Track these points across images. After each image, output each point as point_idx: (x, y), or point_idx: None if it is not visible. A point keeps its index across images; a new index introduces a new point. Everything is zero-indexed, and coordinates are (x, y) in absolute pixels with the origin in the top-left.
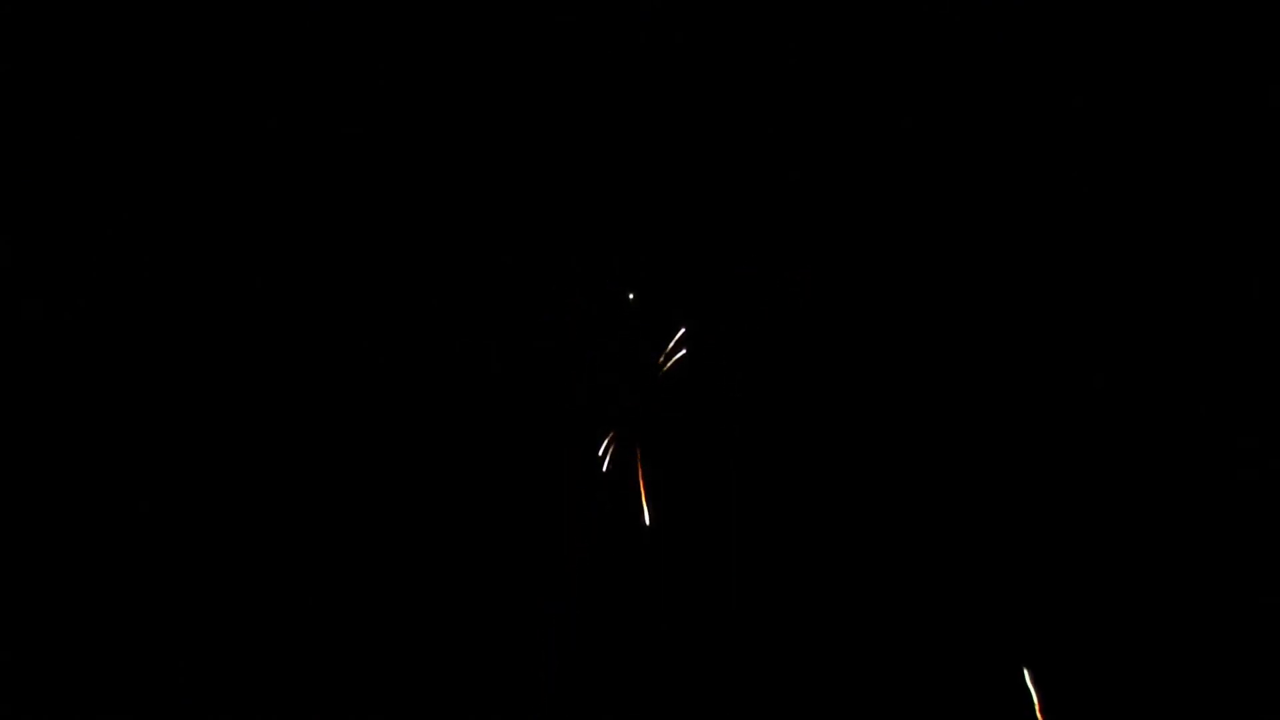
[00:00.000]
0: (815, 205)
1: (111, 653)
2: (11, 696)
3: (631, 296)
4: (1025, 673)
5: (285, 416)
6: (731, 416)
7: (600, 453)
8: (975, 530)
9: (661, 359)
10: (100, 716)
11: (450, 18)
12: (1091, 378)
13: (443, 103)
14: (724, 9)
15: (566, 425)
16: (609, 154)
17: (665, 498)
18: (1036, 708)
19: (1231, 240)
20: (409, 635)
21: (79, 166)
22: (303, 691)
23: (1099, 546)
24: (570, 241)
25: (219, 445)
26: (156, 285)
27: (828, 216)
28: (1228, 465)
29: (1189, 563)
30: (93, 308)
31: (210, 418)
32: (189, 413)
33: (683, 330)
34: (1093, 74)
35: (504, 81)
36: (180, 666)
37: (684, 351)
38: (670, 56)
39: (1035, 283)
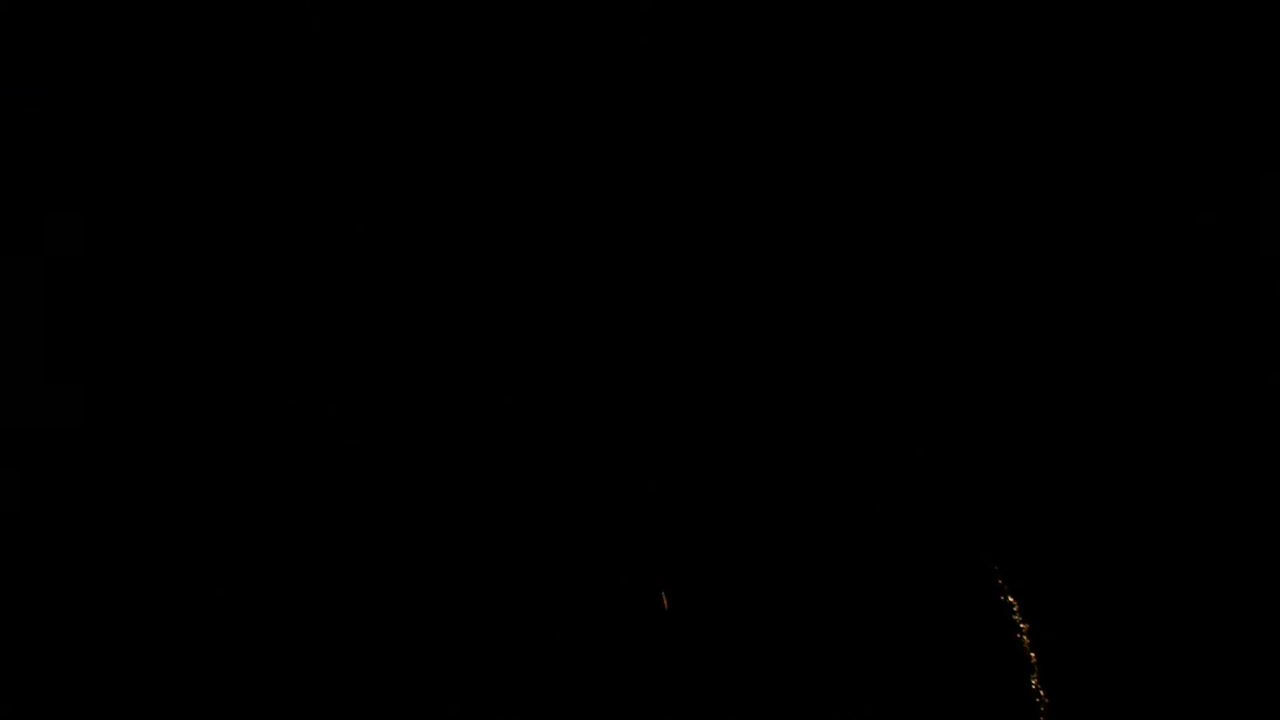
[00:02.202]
0: (814, 206)
1: (113, 653)
2: (11, 697)
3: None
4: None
5: (284, 418)
6: (731, 417)
7: (605, 458)
8: (975, 532)
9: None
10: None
11: (450, 18)
12: (1088, 377)
13: (442, 104)
14: (723, 10)
15: (569, 427)
16: (609, 155)
17: (666, 497)
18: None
19: (1230, 241)
20: (411, 637)
21: (77, 166)
22: (306, 692)
23: (1096, 545)
24: (570, 243)
25: (222, 449)
26: (159, 289)
27: (826, 218)
28: (1225, 466)
29: (1188, 562)
30: (93, 307)
31: (212, 421)
32: (193, 416)
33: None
34: (1092, 75)
35: (504, 82)
36: (185, 667)
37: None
38: (670, 57)
39: (1034, 284)
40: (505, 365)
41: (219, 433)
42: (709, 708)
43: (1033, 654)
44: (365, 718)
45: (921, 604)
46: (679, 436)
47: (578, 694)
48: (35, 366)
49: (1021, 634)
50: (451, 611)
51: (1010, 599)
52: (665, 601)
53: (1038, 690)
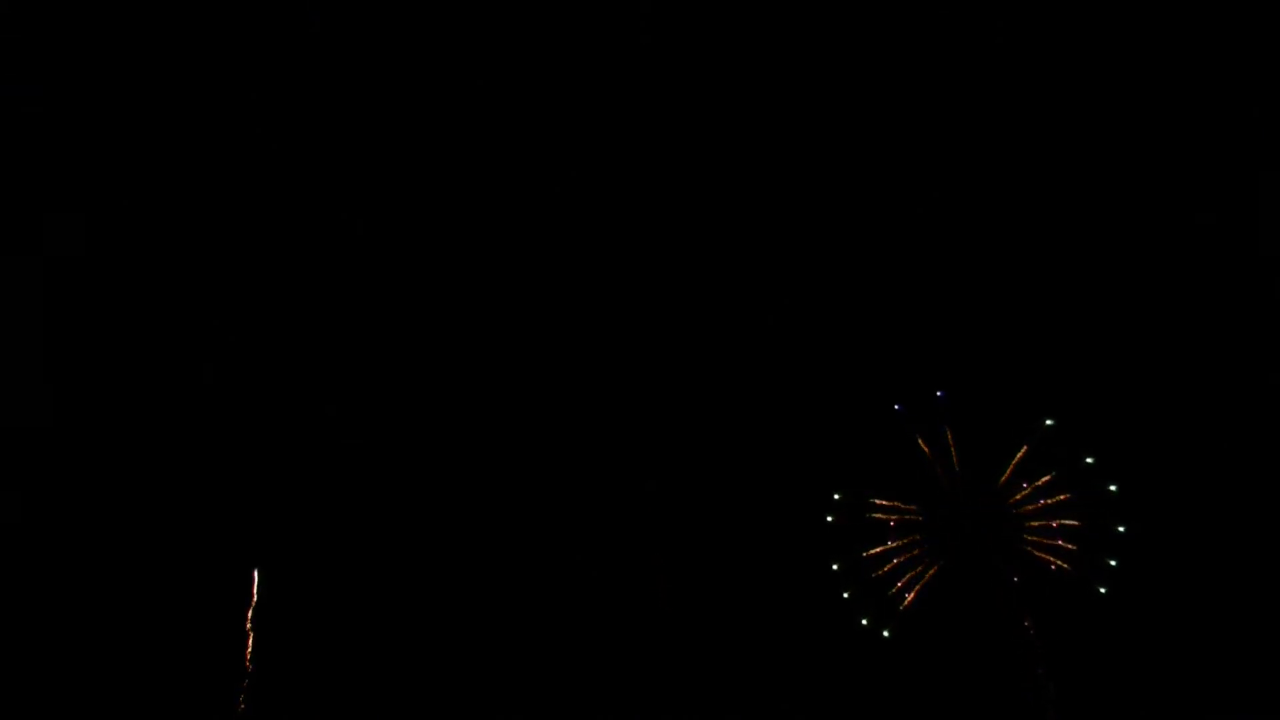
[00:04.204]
0: (814, 206)
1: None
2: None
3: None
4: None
5: (284, 418)
6: (731, 416)
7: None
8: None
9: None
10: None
11: (450, 18)
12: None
13: (442, 104)
14: (723, 11)
15: (568, 427)
16: (609, 155)
17: (667, 495)
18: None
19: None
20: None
21: (77, 166)
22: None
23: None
24: (570, 243)
25: (222, 448)
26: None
27: (826, 218)
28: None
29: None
30: (93, 307)
31: (212, 420)
32: (192, 415)
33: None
34: (1092, 76)
35: (503, 82)
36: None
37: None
38: (670, 57)
39: (1034, 283)
40: (505, 365)
41: (219, 431)
42: (709, 707)
43: (1051, 684)
44: (364, 717)
45: (926, 607)
46: (679, 437)
47: (577, 693)
48: (35, 366)
49: (1037, 658)
50: (451, 609)
51: (1027, 623)
52: (665, 602)
53: None
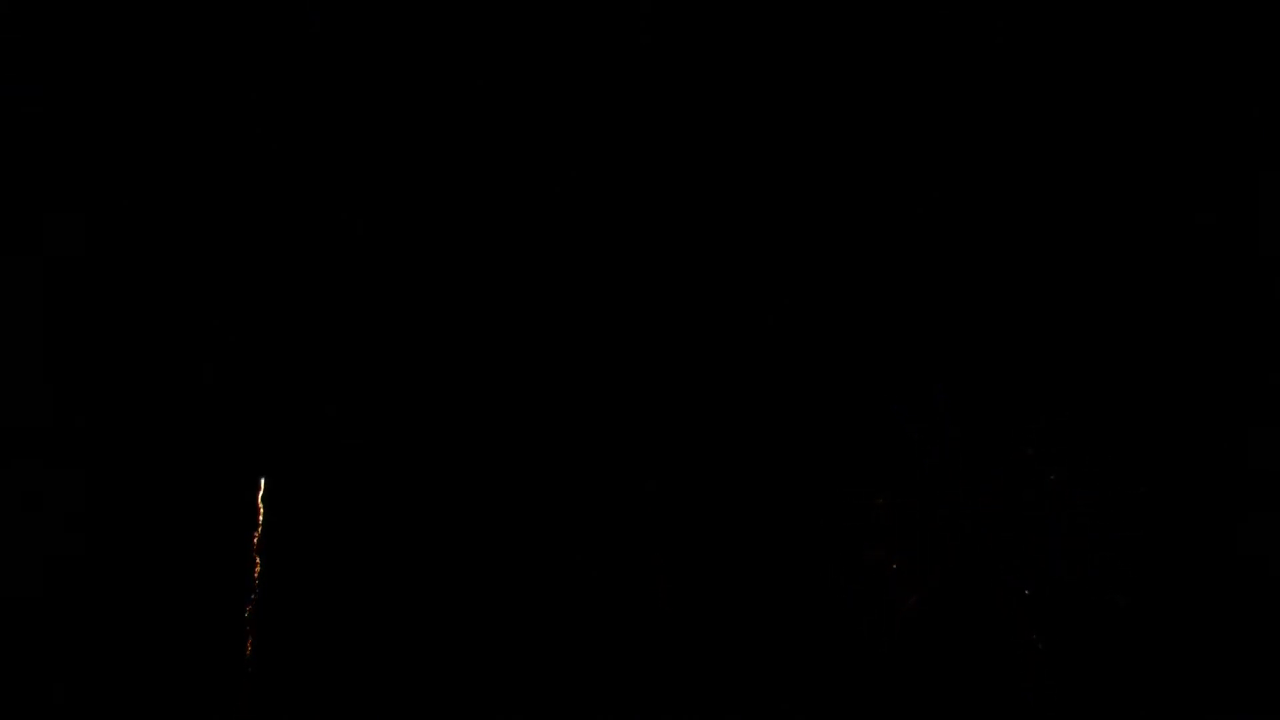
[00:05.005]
0: (814, 206)
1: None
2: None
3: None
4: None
5: (284, 418)
6: (731, 416)
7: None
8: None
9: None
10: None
11: (450, 18)
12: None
13: (442, 104)
14: (723, 11)
15: (569, 427)
16: (609, 155)
17: (667, 497)
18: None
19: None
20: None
21: (77, 166)
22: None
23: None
24: (570, 243)
25: (222, 448)
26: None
27: (826, 218)
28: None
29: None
30: (93, 307)
31: (212, 421)
32: (193, 415)
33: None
34: (1092, 76)
35: (504, 82)
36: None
37: None
38: (670, 57)
39: (1034, 283)
40: (505, 365)
41: (219, 432)
42: (709, 707)
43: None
44: (363, 717)
45: (927, 609)
46: (679, 436)
47: (577, 693)
48: (35, 366)
49: (1042, 665)
50: (451, 610)
51: (1035, 637)
52: (665, 602)
53: None
